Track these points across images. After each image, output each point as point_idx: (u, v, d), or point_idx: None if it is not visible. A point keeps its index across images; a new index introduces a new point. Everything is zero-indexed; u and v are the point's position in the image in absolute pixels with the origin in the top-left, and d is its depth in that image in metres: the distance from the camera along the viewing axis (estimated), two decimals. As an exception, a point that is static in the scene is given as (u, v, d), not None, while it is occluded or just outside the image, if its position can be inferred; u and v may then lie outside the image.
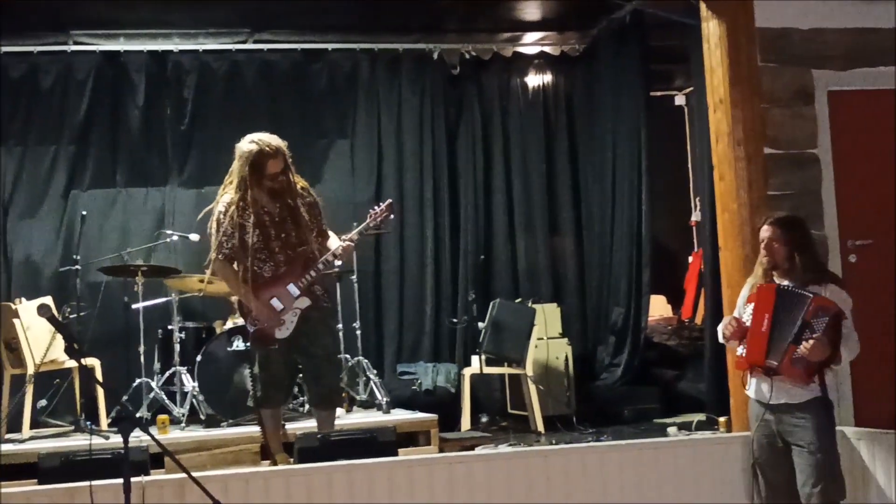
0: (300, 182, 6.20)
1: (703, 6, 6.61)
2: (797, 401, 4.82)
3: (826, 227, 6.36)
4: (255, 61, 9.20)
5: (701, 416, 7.66)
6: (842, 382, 6.01)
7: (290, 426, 7.14)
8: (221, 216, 6.00)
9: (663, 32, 8.87)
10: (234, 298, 8.14)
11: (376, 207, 6.28)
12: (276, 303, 5.97)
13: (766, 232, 4.99)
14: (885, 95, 6.59)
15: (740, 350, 4.96)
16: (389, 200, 6.39)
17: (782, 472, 4.91)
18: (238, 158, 5.99)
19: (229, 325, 8.05)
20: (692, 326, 10.05)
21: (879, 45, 6.55)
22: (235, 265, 6.04)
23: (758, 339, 4.87)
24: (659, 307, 10.49)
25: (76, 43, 8.87)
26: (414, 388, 8.63)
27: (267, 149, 5.93)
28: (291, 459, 5.83)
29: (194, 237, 8.26)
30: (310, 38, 9.29)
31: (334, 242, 6.13)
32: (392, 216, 6.36)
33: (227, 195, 6.04)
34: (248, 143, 5.97)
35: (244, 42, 9.20)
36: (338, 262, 6.12)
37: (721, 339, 5.13)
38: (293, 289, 5.99)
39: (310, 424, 7.32)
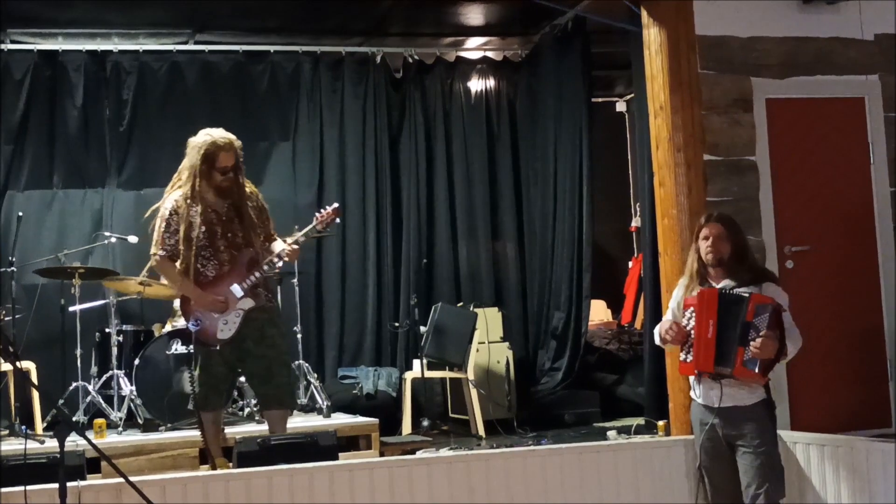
0: (249, 186, 6.16)
1: (644, 13, 6.69)
2: (744, 403, 4.87)
3: (764, 233, 6.46)
4: (196, 62, 9.12)
5: (640, 420, 7.73)
6: (778, 386, 6.09)
7: (229, 430, 7.09)
8: (166, 212, 5.95)
9: (605, 38, 8.93)
10: (176, 303, 8.16)
11: (322, 210, 6.25)
12: (236, 289, 5.90)
13: (712, 229, 4.99)
14: (821, 104, 6.72)
15: (684, 356, 4.99)
16: (336, 205, 6.34)
17: (727, 474, 4.96)
18: (190, 150, 5.97)
19: (168, 328, 7.96)
20: (632, 331, 10.12)
21: (817, 53, 6.67)
22: (178, 263, 5.94)
23: (705, 346, 4.87)
24: (599, 312, 10.56)
25: (13, 41, 8.74)
26: (355, 392, 8.60)
27: (220, 140, 5.93)
28: (231, 464, 5.78)
29: (133, 239, 8.17)
30: (252, 39, 9.23)
31: (279, 247, 6.07)
32: (338, 220, 6.33)
33: (175, 192, 6.00)
34: (201, 136, 5.97)
35: (185, 43, 9.12)
36: (279, 264, 6.06)
37: (657, 341, 5.17)
38: (237, 289, 5.92)
39: (250, 429, 7.29)
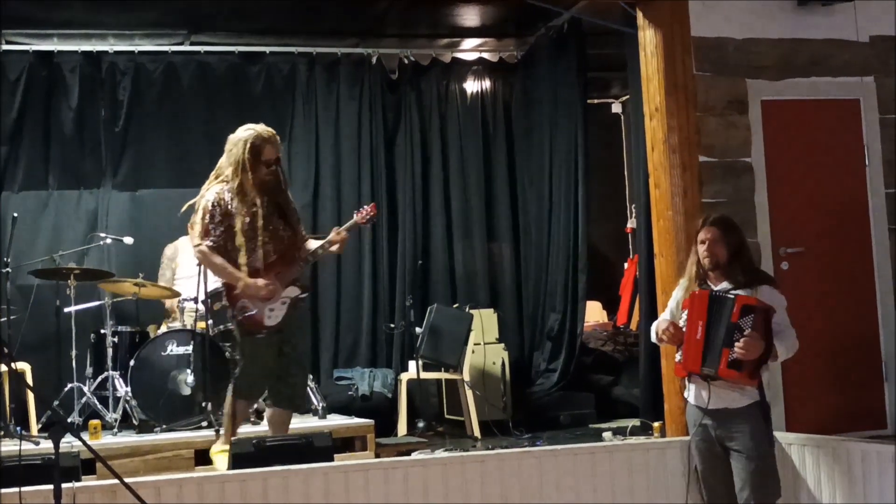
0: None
1: (639, 15, 6.70)
2: (736, 406, 4.87)
3: (759, 235, 6.47)
4: (192, 63, 9.11)
5: (635, 422, 7.74)
6: (773, 387, 6.11)
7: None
8: (209, 204, 6.01)
9: (601, 40, 8.94)
10: (168, 303, 8.17)
11: (363, 208, 6.36)
12: (281, 277, 6.01)
13: (707, 233, 5.02)
14: (817, 105, 6.73)
15: (679, 357, 5.01)
16: (374, 203, 6.54)
17: (720, 475, 4.96)
18: (233, 146, 6.05)
19: (163, 329, 7.98)
20: (627, 332, 10.12)
21: (812, 55, 6.68)
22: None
23: (693, 348, 4.90)
24: (594, 313, 10.56)
25: (8, 42, 8.72)
26: (350, 393, 8.60)
27: (265, 134, 6.04)
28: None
29: (128, 240, 8.18)
30: (247, 40, 9.22)
31: (315, 243, 6.20)
32: (374, 218, 6.45)
33: (216, 186, 6.07)
34: (244, 131, 6.06)
35: (181, 44, 9.11)
36: (323, 254, 6.22)
37: (653, 339, 5.18)
38: (283, 277, 6.03)
39: (245, 430, 7.28)
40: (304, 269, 6.14)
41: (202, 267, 7.49)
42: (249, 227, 5.99)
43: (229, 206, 5.98)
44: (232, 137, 6.10)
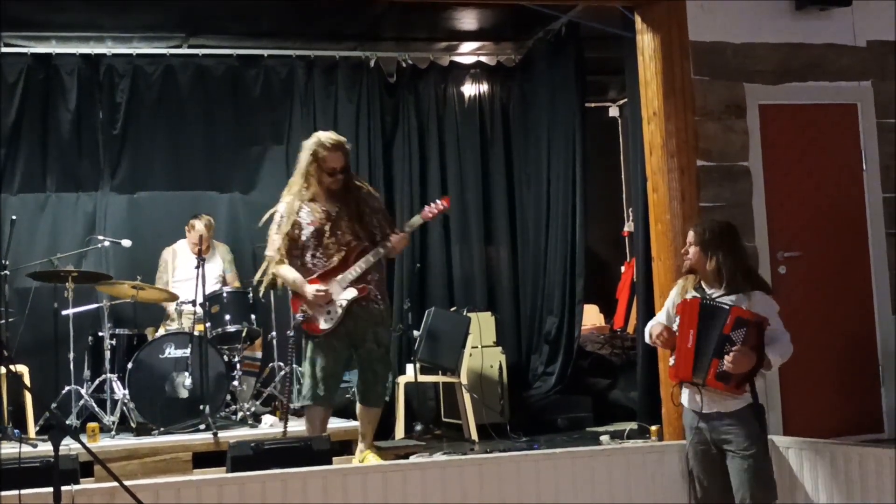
0: (365, 186, 6.48)
1: (638, 19, 6.71)
2: (729, 409, 4.88)
3: (756, 239, 6.48)
4: (190, 66, 9.11)
5: (633, 425, 7.73)
6: (771, 391, 6.12)
7: (223, 434, 7.11)
8: (279, 215, 6.25)
9: (598, 44, 8.94)
10: (168, 307, 8.18)
11: (433, 203, 6.49)
12: (340, 280, 6.17)
13: (688, 237, 5.09)
14: (814, 110, 6.74)
15: (672, 362, 5.02)
16: (447, 196, 6.67)
17: (717, 478, 4.97)
18: (301, 153, 6.26)
19: (161, 332, 7.99)
20: (624, 336, 10.13)
21: (810, 60, 6.70)
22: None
23: (684, 356, 4.91)
24: (592, 316, 10.57)
25: (6, 44, 8.71)
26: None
27: (327, 142, 6.19)
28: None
29: (126, 243, 8.19)
30: (245, 43, 9.22)
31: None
32: (447, 209, 6.58)
33: (288, 196, 6.28)
34: (311, 139, 6.26)
35: (179, 46, 9.12)
36: (383, 252, 6.29)
37: (647, 340, 5.20)
38: (341, 280, 6.16)
39: (243, 433, 7.30)
40: (361, 272, 6.20)
41: (200, 270, 7.58)
42: (314, 234, 6.17)
43: (297, 216, 6.18)
44: (303, 144, 6.32)
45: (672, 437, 6.14)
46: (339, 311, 6.19)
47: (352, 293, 6.20)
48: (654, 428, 6.86)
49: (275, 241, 6.29)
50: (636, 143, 7.70)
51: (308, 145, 6.27)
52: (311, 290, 6.16)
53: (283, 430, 6.70)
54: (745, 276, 5.00)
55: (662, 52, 6.47)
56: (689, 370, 4.89)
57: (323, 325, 6.20)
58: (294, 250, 6.26)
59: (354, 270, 6.21)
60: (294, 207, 6.25)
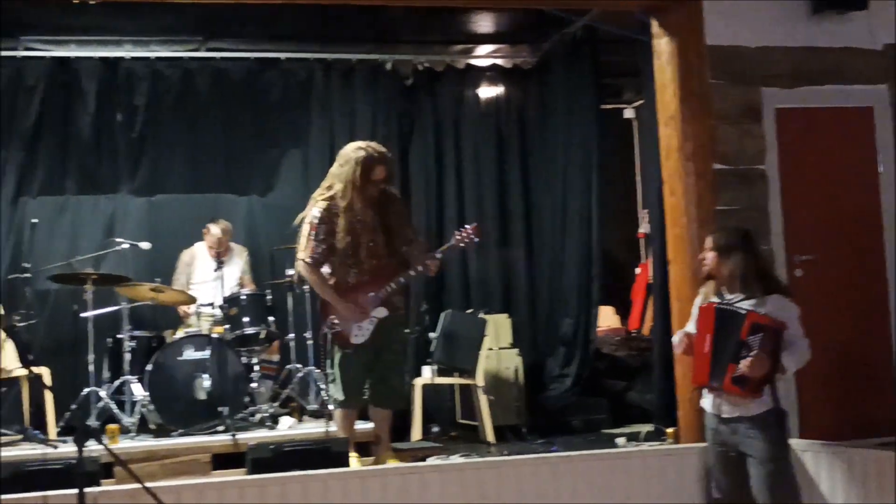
0: (396, 193, 6.61)
1: (654, 23, 6.73)
2: (750, 413, 4.90)
3: (773, 242, 6.49)
4: (208, 69, 9.14)
5: (649, 427, 7.75)
6: (786, 395, 6.12)
7: (241, 436, 7.15)
8: (315, 220, 6.26)
9: (614, 47, 8.97)
10: (185, 308, 8.23)
11: (463, 229, 6.54)
12: (372, 298, 6.25)
13: (706, 243, 5.14)
14: (831, 113, 6.75)
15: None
16: (475, 224, 6.69)
17: (736, 481, 5.00)
18: (343, 163, 6.27)
19: (180, 334, 8.03)
20: (640, 337, 10.14)
21: (826, 63, 6.69)
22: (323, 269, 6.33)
23: (701, 361, 4.98)
24: (607, 318, 10.57)
25: (26, 48, 8.78)
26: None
27: (376, 154, 6.24)
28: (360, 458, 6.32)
29: (145, 245, 8.23)
30: (263, 46, 9.26)
31: (420, 251, 6.45)
32: (477, 239, 6.59)
33: (322, 201, 6.27)
34: (356, 150, 6.26)
35: (197, 50, 9.16)
36: (414, 274, 6.42)
37: (676, 351, 5.25)
38: (373, 298, 6.23)
39: (262, 434, 7.34)
40: (393, 291, 6.29)
41: (220, 272, 7.64)
42: (350, 244, 6.22)
43: (334, 224, 6.21)
44: (344, 153, 6.32)
45: (689, 440, 6.16)
46: (371, 327, 6.28)
47: (383, 312, 6.30)
48: (670, 430, 6.88)
49: (309, 246, 6.31)
50: (652, 145, 7.71)
51: (354, 156, 6.26)
52: (345, 306, 6.24)
53: (326, 430, 6.73)
54: (762, 281, 5.02)
55: (679, 56, 6.49)
56: (705, 375, 4.95)
57: (354, 339, 6.29)
58: (330, 256, 6.31)
59: (388, 289, 6.28)
60: (331, 213, 6.27)
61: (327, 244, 6.26)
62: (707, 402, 5.09)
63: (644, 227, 10.71)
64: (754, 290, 4.95)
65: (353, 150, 6.31)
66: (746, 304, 4.91)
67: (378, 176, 6.25)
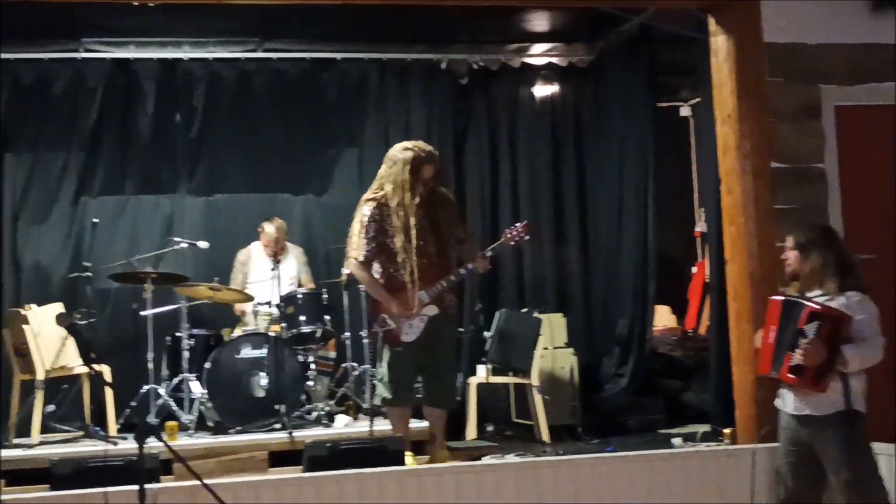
0: (446, 192, 6.63)
1: (711, 21, 6.67)
2: (820, 413, 4.86)
3: (831, 241, 6.40)
4: (265, 70, 9.21)
5: (706, 428, 7.70)
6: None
7: (298, 434, 7.21)
8: (365, 219, 6.33)
9: (670, 45, 8.92)
10: (242, 307, 8.31)
11: (514, 227, 6.56)
12: (423, 296, 6.27)
13: (787, 242, 5.13)
14: (891, 111, 6.65)
15: None
16: (526, 221, 6.71)
17: (806, 482, 4.97)
18: (392, 164, 6.34)
19: (237, 332, 8.11)
20: (696, 337, 10.07)
21: (886, 60, 6.60)
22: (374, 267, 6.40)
23: (765, 350, 5.03)
24: (663, 317, 10.51)
25: (87, 50, 8.89)
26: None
27: (423, 154, 6.32)
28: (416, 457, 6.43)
29: (203, 245, 8.32)
30: (319, 47, 9.31)
31: (471, 250, 6.47)
32: (528, 237, 6.63)
33: (372, 201, 6.36)
34: (403, 150, 6.34)
35: (254, 51, 9.23)
36: (465, 273, 6.45)
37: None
38: (424, 296, 6.28)
39: (318, 432, 7.40)
40: (444, 289, 6.32)
41: (277, 271, 7.71)
42: (400, 243, 6.26)
43: (384, 223, 6.27)
44: (392, 154, 6.38)
45: (746, 441, 6.12)
46: (422, 325, 6.32)
47: (433, 310, 6.32)
48: (727, 431, 6.83)
49: (360, 245, 6.36)
50: (709, 143, 7.65)
51: (403, 157, 6.32)
52: (396, 304, 6.28)
53: (371, 428, 6.77)
54: (841, 277, 4.97)
55: (737, 53, 6.43)
56: (768, 364, 5.00)
57: (405, 337, 6.33)
58: (380, 255, 6.36)
59: (437, 288, 6.30)
60: (382, 211, 6.33)
61: (377, 242, 6.32)
62: (780, 399, 5.07)
63: (701, 226, 10.64)
64: (829, 286, 4.92)
65: (400, 151, 6.37)
66: (822, 300, 4.88)
67: (426, 175, 6.29)
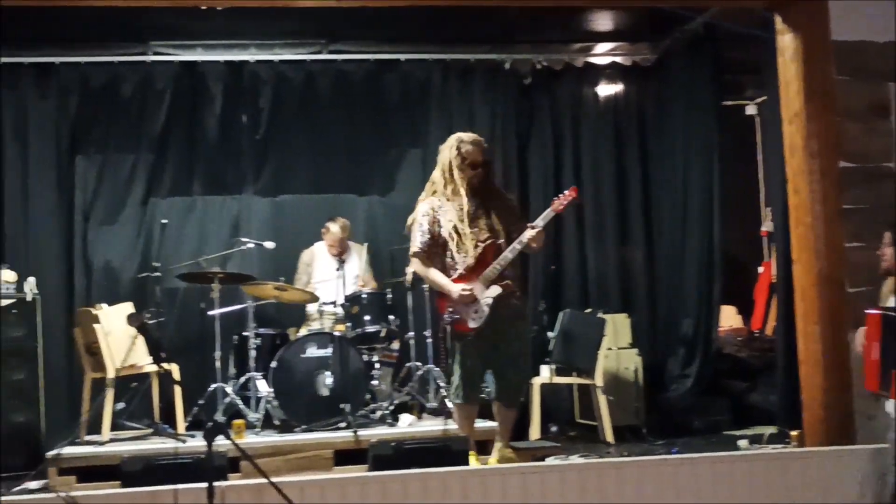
0: (500, 189, 6.73)
1: (777, 19, 6.60)
2: None
3: (901, 242, 6.32)
4: (330, 71, 9.27)
5: (772, 429, 7.63)
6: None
7: (362, 433, 7.26)
8: (419, 215, 6.44)
9: (735, 43, 8.83)
10: (310, 308, 8.38)
11: (561, 195, 6.54)
12: (475, 285, 6.30)
13: (884, 238, 5.09)
14: (961, 109, 6.54)
15: None
16: (574, 186, 6.72)
17: None
18: (441, 155, 6.47)
19: (303, 332, 8.18)
20: (763, 337, 9.98)
21: (956, 57, 6.50)
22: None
23: (871, 368, 4.92)
24: (729, 318, 10.43)
25: (155, 53, 9.02)
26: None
27: (467, 137, 6.46)
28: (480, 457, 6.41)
29: (269, 245, 8.41)
30: (383, 48, 9.37)
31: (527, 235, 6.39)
32: (577, 201, 6.75)
33: (425, 198, 6.49)
34: (449, 140, 6.48)
35: (319, 52, 9.29)
36: (520, 248, 6.33)
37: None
38: (483, 278, 6.30)
39: (383, 431, 7.44)
40: (500, 270, 6.31)
41: (342, 271, 7.78)
42: (455, 231, 6.33)
43: (437, 215, 6.36)
44: (441, 148, 6.51)
45: (813, 443, 6.06)
46: (486, 309, 6.30)
47: (496, 290, 6.30)
48: (794, 433, 6.75)
49: (416, 240, 6.46)
50: (775, 142, 7.58)
51: (448, 144, 6.46)
52: (456, 289, 6.30)
53: (445, 427, 6.81)
54: None
55: (804, 52, 6.36)
56: (875, 382, 4.88)
57: (471, 323, 6.32)
58: (434, 248, 6.42)
59: (496, 267, 6.31)
60: (434, 205, 6.42)
61: (432, 234, 6.39)
62: (890, 403, 4.99)
63: (767, 225, 10.54)
64: None
65: (447, 142, 6.51)
66: None
67: (472, 157, 6.36)
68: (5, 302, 7.73)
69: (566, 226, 9.57)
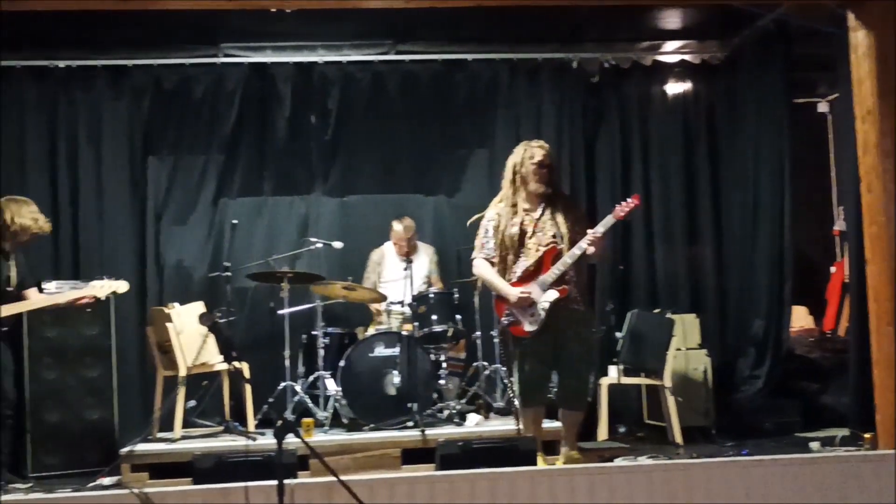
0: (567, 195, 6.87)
1: (850, 16, 6.52)
2: None
3: (976, 242, 6.21)
4: (398, 72, 9.30)
5: (844, 432, 7.53)
6: None
7: (430, 432, 7.29)
8: (486, 221, 6.59)
9: (806, 40, 8.72)
10: (376, 306, 8.43)
11: (624, 202, 6.58)
12: (540, 282, 6.37)
13: None
14: None
15: None
16: (636, 194, 6.81)
17: None
18: (507, 163, 6.62)
19: (371, 331, 8.22)
20: (835, 338, 9.83)
21: None
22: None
23: None
24: (800, 318, 10.29)
25: (226, 55, 9.11)
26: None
27: (532, 142, 6.63)
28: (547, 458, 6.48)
29: (338, 245, 8.46)
30: (450, 48, 9.38)
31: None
32: (639, 208, 6.79)
33: (497, 202, 6.63)
34: (517, 148, 6.65)
35: (386, 53, 9.32)
36: (579, 253, 6.37)
37: None
38: (541, 282, 6.36)
39: (450, 431, 7.47)
40: (558, 275, 6.35)
41: (409, 271, 7.82)
42: (518, 237, 6.41)
43: (500, 220, 6.47)
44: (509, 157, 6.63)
45: (888, 445, 5.97)
46: (542, 313, 6.34)
47: (553, 295, 6.33)
48: (867, 435, 6.66)
49: (479, 244, 6.58)
50: (848, 140, 7.47)
51: (516, 149, 6.62)
52: (514, 292, 6.36)
53: (518, 427, 6.85)
54: None
55: (877, 49, 6.27)
56: None
57: (528, 327, 6.36)
58: (497, 252, 6.50)
59: (554, 272, 6.35)
60: (500, 210, 6.52)
61: (496, 238, 6.48)
62: None
63: (839, 225, 10.39)
64: None
65: (513, 152, 6.65)
66: None
67: (537, 158, 6.46)
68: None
69: (635, 226, 9.50)
